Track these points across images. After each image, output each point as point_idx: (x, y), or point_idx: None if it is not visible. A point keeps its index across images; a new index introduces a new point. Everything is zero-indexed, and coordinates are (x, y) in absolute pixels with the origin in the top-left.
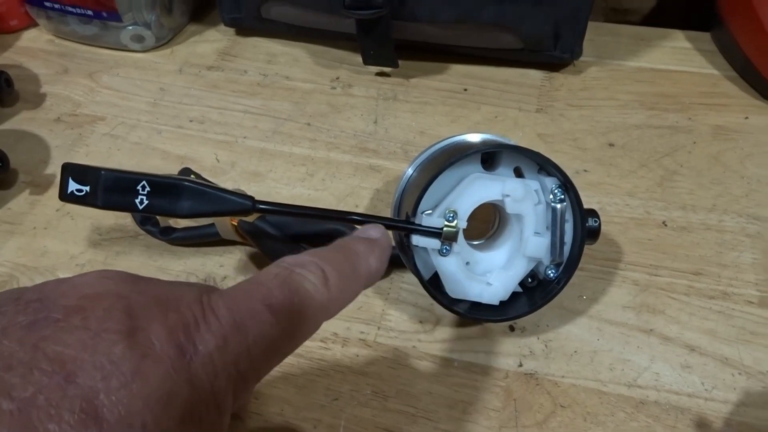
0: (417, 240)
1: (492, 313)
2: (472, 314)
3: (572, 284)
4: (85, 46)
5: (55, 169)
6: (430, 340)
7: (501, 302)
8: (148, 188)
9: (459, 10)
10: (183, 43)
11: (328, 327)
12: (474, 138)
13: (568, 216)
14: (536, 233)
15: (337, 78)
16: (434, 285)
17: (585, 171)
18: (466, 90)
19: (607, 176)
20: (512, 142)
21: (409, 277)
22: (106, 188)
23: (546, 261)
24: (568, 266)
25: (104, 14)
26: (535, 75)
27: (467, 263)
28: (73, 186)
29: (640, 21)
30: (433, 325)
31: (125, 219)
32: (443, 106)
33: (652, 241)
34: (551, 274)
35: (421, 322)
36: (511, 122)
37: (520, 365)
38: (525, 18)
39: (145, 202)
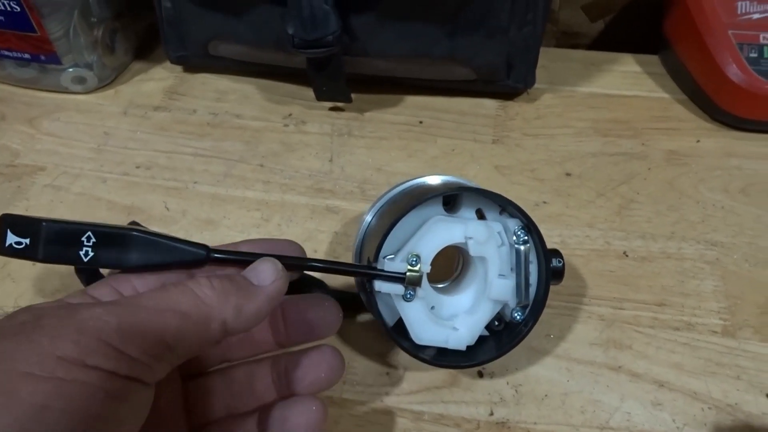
0: (380, 286)
1: (459, 359)
2: (438, 361)
3: (539, 323)
4: (24, 90)
5: None
6: (398, 393)
7: (468, 347)
8: (93, 239)
9: (411, 46)
10: (127, 82)
11: None
12: (434, 180)
13: (532, 257)
14: (501, 275)
15: (290, 114)
16: (399, 331)
17: (544, 203)
18: (421, 122)
19: (566, 207)
20: (473, 184)
21: (373, 324)
22: (47, 240)
23: (512, 303)
24: (534, 308)
25: (42, 57)
26: (489, 105)
27: (432, 307)
28: (11, 239)
29: (590, 44)
30: (400, 376)
31: (72, 279)
32: (399, 140)
33: (615, 272)
34: (518, 317)
35: (387, 373)
36: (467, 155)
37: (491, 414)
38: (478, 51)
39: (90, 254)
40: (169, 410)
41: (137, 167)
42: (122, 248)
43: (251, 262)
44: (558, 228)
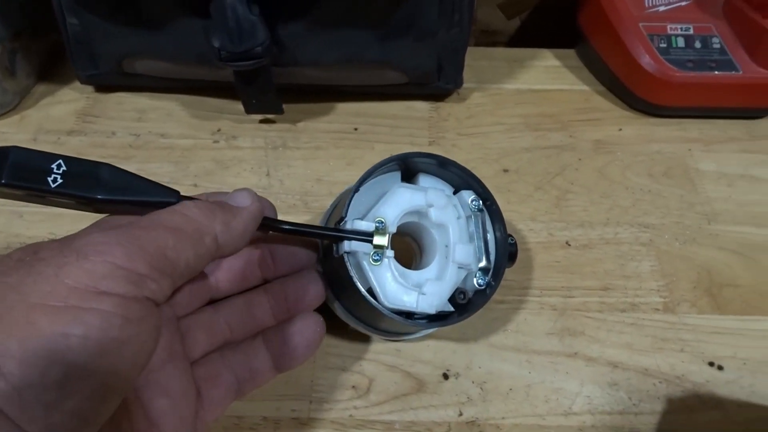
0: (348, 245)
1: (430, 324)
2: (413, 323)
3: (496, 318)
4: None
5: None
6: (366, 405)
7: (435, 317)
8: (64, 167)
9: (342, 53)
10: (33, 106)
11: (255, 412)
12: None
13: (489, 227)
14: (461, 243)
15: (219, 130)
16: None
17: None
18: (356, 129)
19: (508, 203)
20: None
21: (335, 341)
22: (14, 164)
23: (474, 267)
24: (495, 270)
25: None
26: (422, 107)
27: (401, 276)
28: None
29: (508, 41)
30: (366, 387)
31: None
32: (336, 148)
33: (560, 263)
34: (481, 282)
35: (353, 386)
36: None
37: (461, 414)
38: (409, 54)
39: (59, 181)
40: (168, 345)
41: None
42: (93, 180)
43: None
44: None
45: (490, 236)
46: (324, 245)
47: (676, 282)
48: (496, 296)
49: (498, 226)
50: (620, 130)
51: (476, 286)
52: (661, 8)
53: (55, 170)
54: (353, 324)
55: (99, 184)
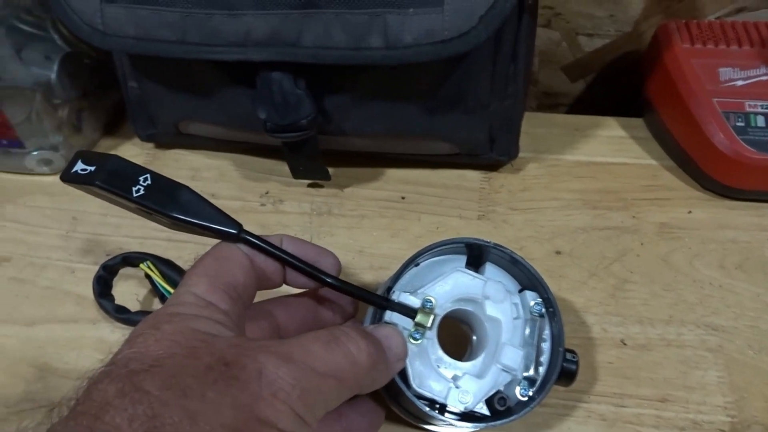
0: (390, 316)
1: (456, 422)
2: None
3: (536, 424)
4: None
5: None
6: None
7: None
8: (149, 181)
9: (388, 124)
10: None
11: None
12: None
13: (546, 334)
14: (511, 346)
15: (267, 193)
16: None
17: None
18: (403, 198)
19: (558, 290)
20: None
21: None
22: (110, 171)
23: (519, 374)
24: (542, 384)
25: (4, 142)
26: (473, 176)
27: (438, 366)
28: (79, 166)
29: (571, 103)
30: None
31: (36, 385)
32: (381, 218)
33: (613, 364)
34: (524, 392)
35: None
36: (453, 233)
37: None
38: (458, 127)
39: (141, 192)
40: None
41: (107, 255)
42: (169, 197)
43: (279, 257)
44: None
45: (545, 345)
46: (372, 312)
47: (747, 399)
48: None
49: (557, 335)
50: (689, 212)
51: (518, 396)
52: (739, 83)
53: (141, 182)
54: (388, 401)
55: (175, 203)
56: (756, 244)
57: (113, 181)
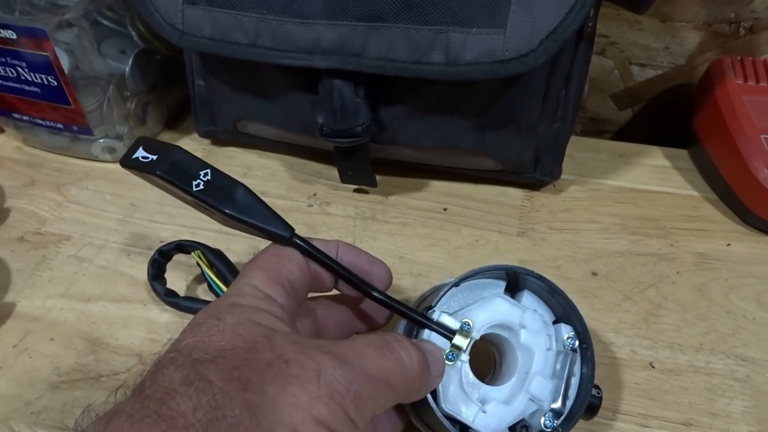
0: (428, 335)
1: None
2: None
3: None
4: (54, 155)
5: (14, 296)
6: None
7: None
8: (209, 177)
9: (440, 138)
10: None
11: None
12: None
13: (576, 369)
14: (542, 377)
15: (314, 194)
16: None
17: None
18: (446, 209)
19: (592, 310)
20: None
21: None
22: (173, 162)
23: (546, 406)
24: (568, 417)
25: (75, 128)
26: (515, 194)
27: (468, 384)
28: (140, 153)
29: (617, 131)
30: None
31: (87, 357)
32: (423, 227)
33: (640, 385)
34: (548, 424)
35: None
36: (492, 247)
37: None
38: (506, 145)
39: (201, 186)
40: None
41: (161, 242)
42: (227, 194)
43: (325, 263)
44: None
45: (574, 380)
46: (406, 326)
47: None
48: None
49: (586, 372)
50: (728, 245)
51: (543, 426)
52: None
53: (201, 177)
54: (412, 416)
55: (231, 200)
56: None
57: (174, 172)
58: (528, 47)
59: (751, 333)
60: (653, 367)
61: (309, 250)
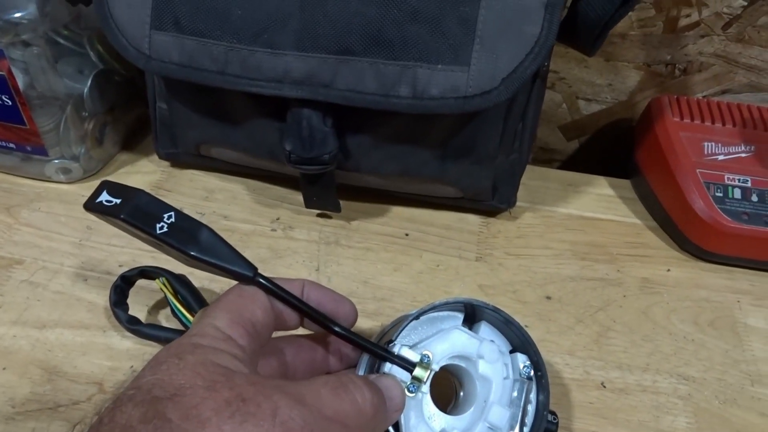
0: (389, 368)
1: None
2: None
3: None
4: (2, 175)
5: None
6: None
7: None
8: (173, 219)
9: (402, 166)
10: (113, 173)
11: None
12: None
13: (533, 397)
14: (500, 405)
15: (278, 219)
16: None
17: (526, 327)
18: (407, 235)
19: (547, 332)
20: (499, 310)
21: None
22: (136, 206)
23: None
24: None
25: (28, 148)
26: (473, 220)
27: (428, 418)
28: (104, 197)
29: (565, 160)
30: None
31: (44, 386)
32: (385, 252)
33: (593, 404)
34: None
35: None
36: (452, 272)
37: None
38: (465, 174)
39: (165, 229)
40: None
41: (120, 266)
42: (191, 236)
43: (289, 302)
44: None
45: (531, 407)
46: (369, 360)
47: None
48: None
49: (542, 399)
50: (668, 270)
51: None
52: (720, 157)
53: (165, 219)
54: None
55: (195, 242)
56: (727, 304)
57: (138, 216)
58: (490, 85)
59: (690, 353)
60: (605, 386)
61: (272, 288)
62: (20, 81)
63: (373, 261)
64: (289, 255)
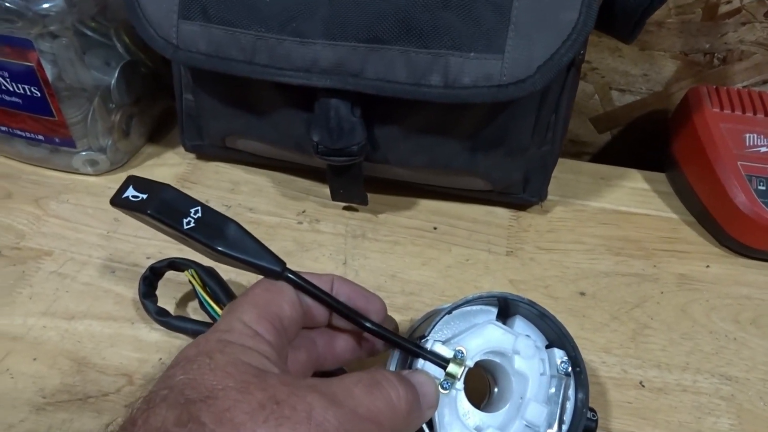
0: (422, 365)
1: None
2: None
3: None
4: (31, 167)
5: None
6: None
7: None
8: (199, 214)
9: (431, 158)
10: (140, 166)
11: None
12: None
13: (571, 393)
14: (537, 402)
15: (304, 211)
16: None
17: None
18: (435, 228)
19: (581, 329)
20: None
21: None
22: (162, 200)
23: (542, 431)
24: None
25: (56, 140)
26: (502, 214)
27: (463, 415)
28: (131, 192)
29: (596, 153)
30: None
31: (73, 377)
32: (413, 246)
33: (632, 404)
34: None
35: None
36: (482, 266)
37: None
38: (496, 167)
39: (192, 224)
40: None
41: (147, 258)
42: (218, 232)
43: (318, 297)
44: None
45: (569, 404)
46: (400, 355)
47: None
48: None
49: (581, 396)
50: (708, 267)
51: None
52: (763, 149)
53: (192, 214)
54: None
55: (222, 237)
56: None
57: (165, 211)
58: (525, 73)
59: (732, 352)
60: (643, 386)
61: (302, 284)
62: (49, 73)
63: (401, 255)
64: (315, 248)
